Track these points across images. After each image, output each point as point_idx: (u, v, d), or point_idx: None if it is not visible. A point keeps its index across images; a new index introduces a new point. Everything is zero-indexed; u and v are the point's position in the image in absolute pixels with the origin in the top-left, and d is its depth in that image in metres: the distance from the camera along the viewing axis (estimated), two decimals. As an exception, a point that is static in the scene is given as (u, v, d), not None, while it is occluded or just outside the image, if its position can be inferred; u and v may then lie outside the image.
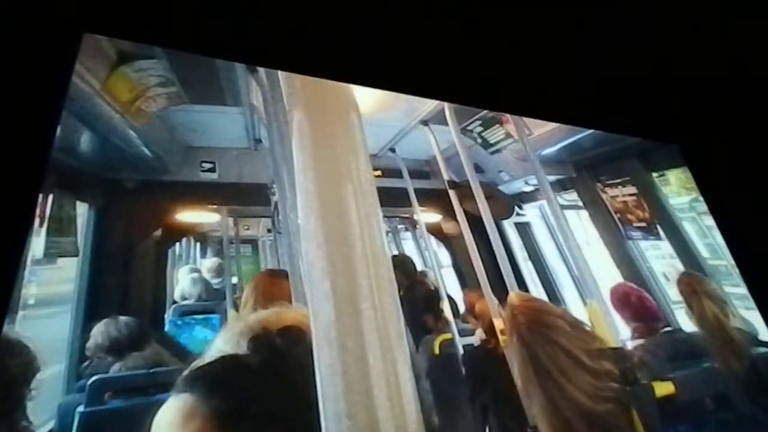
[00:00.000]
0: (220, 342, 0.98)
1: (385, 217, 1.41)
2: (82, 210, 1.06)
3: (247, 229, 1.18)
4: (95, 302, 0.96)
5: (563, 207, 1.68)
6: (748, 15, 1.70)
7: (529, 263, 1.36)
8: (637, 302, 1.30)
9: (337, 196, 1.11)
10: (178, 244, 1.11)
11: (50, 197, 1.09)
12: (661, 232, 1.53)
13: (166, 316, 1.01)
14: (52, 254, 1.00)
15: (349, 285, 0.96)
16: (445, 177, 1.58)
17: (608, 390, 1.08)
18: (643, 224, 1.61)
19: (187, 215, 1.14)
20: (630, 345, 1.22)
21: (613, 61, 1.72)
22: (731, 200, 1.66)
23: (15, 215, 0.81)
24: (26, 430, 0.83)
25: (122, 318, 1.01)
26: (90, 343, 0.96)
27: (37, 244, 1.04)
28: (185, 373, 0.87)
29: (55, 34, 1.03)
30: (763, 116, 1.81)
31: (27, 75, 0.96)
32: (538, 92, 1.60)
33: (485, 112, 1.93)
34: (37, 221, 1.07)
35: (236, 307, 1.06)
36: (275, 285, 1.14)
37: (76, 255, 1.00)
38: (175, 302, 1.04)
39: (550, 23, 1.58)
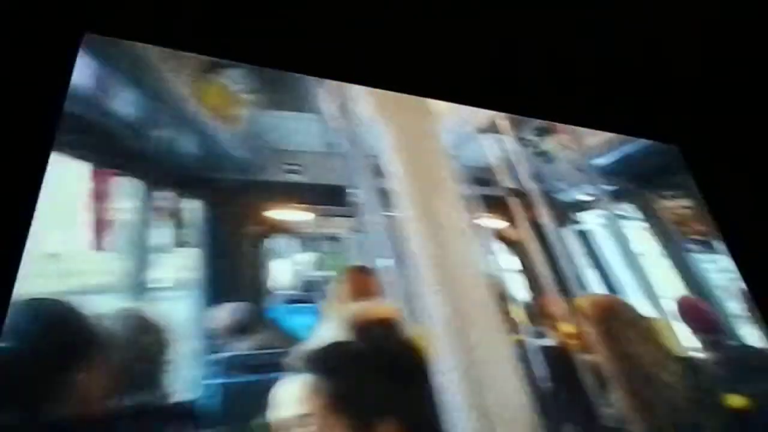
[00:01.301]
0: (326, 329, 1.11)
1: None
2: (197, 206, 1.18)
3: (332, 227, 1.30)
4: (215, 289, 1.09)
5: (621, 217, 1.77)
6: (748, 16, 1.74)
7: (593, 270, 1.46)
8: (703, 315, 1.38)
9: (433, 204, 1.24)
10: (275, 238, 1.23)
11: (172, 195, 1.23)
12: (719, 246, 1.61)
13: (268, 303, 1.13)
14: (178, 245, 1.14)
15: (453, 288, 1.09)
16: (508, 185, 1.68)
17: (680, 399, 1.17)
18: (701, 237, 1.69)
19: (279, 213, 1.27)
20: (698, 356, 1.30)
21: (614, 61, 1.77)
22: (731, 200, 1.70)
23: (16, 213, 0.90)
24: (165, 399, 0.96)
25: (239, 303, 1.14)
26: (214, 325, 1.09)
27: (165, 235, 1.18)
28: (302, 355, 1.00)
29: (55, 34, 1.09)
30: (763, 116, 1.85)
31: (27, 74, 1.03)
32: (538, 92, 1.66)
33: (539, 122, 2.02)
34: (163, 215, 1.21)
35: (330, 299, 1.18)
36: (364, 280, 1.26)
37: (196, 246, 1.13)
38: (275, 292, 1.16)
39: (550, 24, 1.64)
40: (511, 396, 1.07)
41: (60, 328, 0.90)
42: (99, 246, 1.08)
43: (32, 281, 0.96)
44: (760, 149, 1.76)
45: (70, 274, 1.03)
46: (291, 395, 0.97)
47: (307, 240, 1.28)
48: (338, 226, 1.35)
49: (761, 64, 1.83)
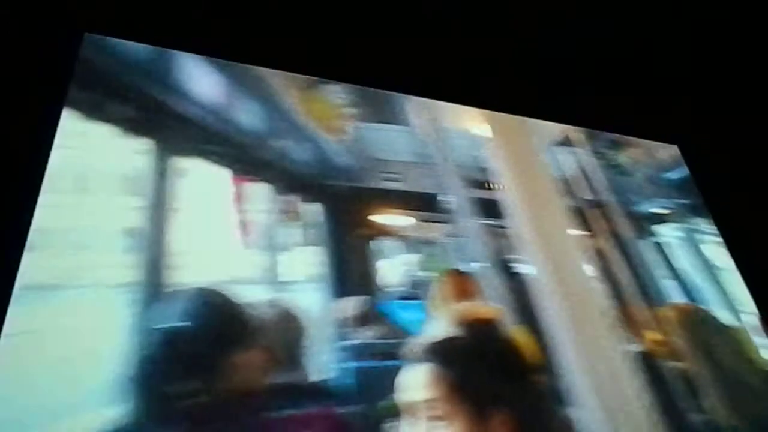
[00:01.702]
0: (437, 325, 1.23)
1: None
2: (316, 209, 1.34)
3: (429, 231, 1.43)
4: (337, 284, 1.23)
5: (697, 231, 1.83)
6: (748, 15, 1.74)
7: (670, 281, 1.54)
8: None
9: (542, 215, 1.35)
10: (381, 240, 1.37)
11: (295, 199, 1.39)
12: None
13: (380, 299, 1.27)
14: (305, 243, 1.29)
15: (563, 292, 1.20)
16: (585, 196, 1.77)
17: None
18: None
19: (382, 217, 1.41)
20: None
21: (614, 61, 1.78)
22: (731, 200, 1.70)
23: (16, 211, 0.93)
24: (306, 378, 1.10)
25: (359, 297, 1.28)
26: (340, 315, 1.24)
27: (294, 234, 1.33)
28: (421, 347, 1.12)
29: (56, 34, 1.12)
30: (763, 116, 1.83)
31: (28, 74, 1.06)
32: (538, 93, 1.68)
33: (612, 135, 2.10)
34: (291, 216, 1.37)
35: (434, 298, 1.30)
36: (464, 282, 1.38)
37: (319, 245, 1.28)
38: (385, 288, 1.29)
39: (550, 24, 1.66)
40: (628, 394, 1.17)
41: (223, 313, 1.06)
42: (245, 243, 1.24)
43: (193, 271, 1.12)
44: (759, 149, 1.75)
45: (220, 266, 1.20)
46: (416, 381, 1.10)
47: (408, 243, 1.41)
48: (434, 230, 1.48)
49: (761, 64, 1.82)
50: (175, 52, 1.38)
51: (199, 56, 1.41)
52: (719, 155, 1.71)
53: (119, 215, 1.14)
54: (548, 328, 1.26)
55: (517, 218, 1.43)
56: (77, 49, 1.14)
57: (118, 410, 0.93)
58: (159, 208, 1.16)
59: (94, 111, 1.26)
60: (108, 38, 1.31)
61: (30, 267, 1.01)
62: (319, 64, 1.52)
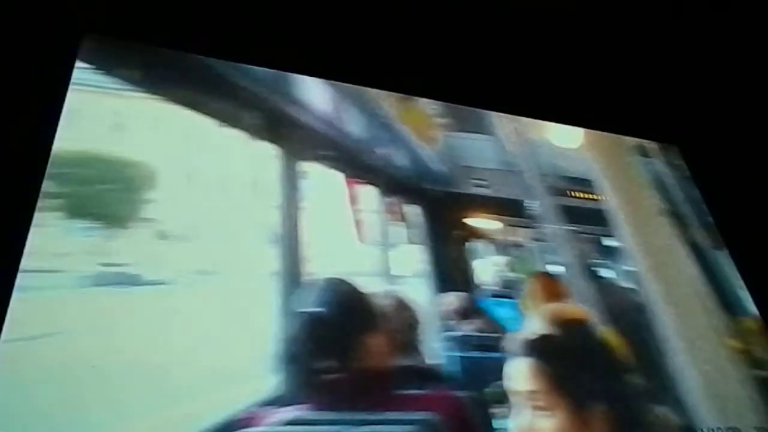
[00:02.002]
0: (532, 323, 1.33)
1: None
2: (417, 211, 1.46)
3: (516, 235, 1.54)
4: (438, 279, 1.36)
5: None
6: (748, 15, 1.71)
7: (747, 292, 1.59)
8: None
9: (645, 225, 1.44)
10: (474, 242, 1.48)
11: (398, 201, 1.53)
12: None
13: (478, 295, 1.39)
14: (409, 242, 1.42)
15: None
16: (663, 206, 1.84)
17: None
18: None
19: (474, 220, 1.52)
20: None
21: (614, 61, 1.78)
22: (731, 200, 1.68)
23: (16, 211, 0.94)
24: (422, 362, 1.23)
25: (460, 293, 1.41)
26: (444, 309, 1.36)
27: (400, 234, 1.47)
28: (520, 342, 1.23)
29: (56, 35, 1.11)
30: (763, 116, 1.80)
31: (28, 74, 1.06)
32: (538, 93, 1.69)
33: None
34: (396, 217, 1.51)
35: (525, 297, 1.41)
36: (553, 284, 1.48)
37: (421, 244, 1.41)
38: (481, 286, 1.41)
39: (550, 24, 1.67)
40: (738, 389, 1.25)
41: (353, 300, 1.21)
42: (360, 239, 1.39)
43: (321, 263, 1.27)
44: (760, 149, 1.73)
45: (342, 259, 1.34)
46: (518, 373, 1.22)
47: (498, 245, 1.53)
48: (521, 234, 1.59)
49: (761, 64, 1.80)
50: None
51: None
52: (719, 155, 1.72)
53: (256, 212, 1.30)
54: (644, 331, 1.35)
55: (621, 227, 1.52)
56: (76, 49, 1.14)
57: (269, 382, 1.08)
58: (290, 206, 1.32)
59: (227, 119, 1.43)
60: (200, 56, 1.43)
61: (189, 255, 1.18)
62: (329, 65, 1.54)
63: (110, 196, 1.12)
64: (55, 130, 1.05)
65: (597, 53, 1.73)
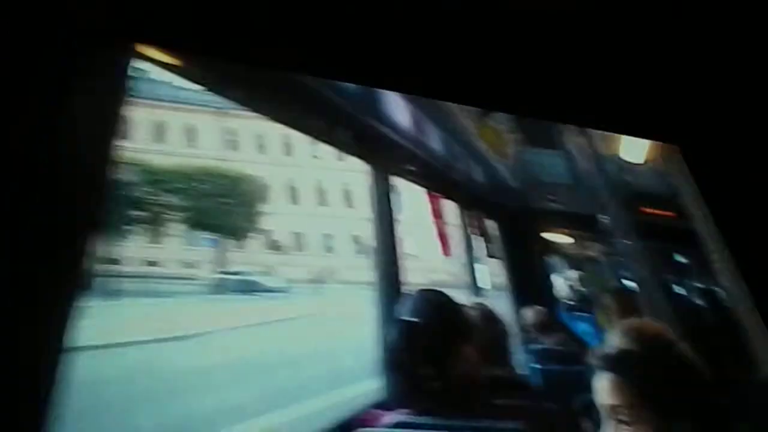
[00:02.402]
0: (612, 337, 1.37)
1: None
2: (495, 225, 1.52)
3: (590, 250, 1.58)
4: (518, 293, 1.42)
5: None
6: (749, 14, 1.64)
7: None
8: None
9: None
10: (551, 256, 1.53)
11: (478, 215, 1.59)
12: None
13: (557, 309, 1.44)
14: (489, 255, 1.48)
15: None
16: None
17: None
18: None
19: (550, 235, 1.57)
20: None
21: (614, 61, 1.72)
22: (731, 200, 1.62)
23: (14, 212, 0.86)
24: (510, 373, 1.29)
25: (539, 307, 1.46)
26: (523, 322, 1.42)
27: (480, 247, 1.53)
28: (603, 356, 1.27)
29: (56, 37, 1.00)
30: (764, 116, 1.72)
31: (28, 75, 0.95)
32: (538, 92, 1.65)
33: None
34: (476, 231, 1.57)
35: (603, 312, 1.45)
36: (629, 300, 1.51)
37: (500, 258, 1.46)
38: (560, 300, 1.46)
39: (550, 23, 1.63)
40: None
41: (448, 311, 1.28)
42: (445, 252, 1.46)
43: (413, 273, 1.35)
44: (761, 149, 1.68)
45: (430, 271, 1.42)
46: (603, 388, 1.26)
47: (573, 259, 1.57)
48: (595, 249, 1.63)
49: (762, 64, 1.74)
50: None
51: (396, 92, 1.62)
52: (723, 155, 1.69)
53: (352, 224, 1.39)
54: (726, 348, 1.38)
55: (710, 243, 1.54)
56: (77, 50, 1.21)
57: (373, 386, 1.16)
58: (383, 219, 1.40)
59: (321, 135, 1.52)
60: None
61: (287, 265, 1.28)
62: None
63: (228, 209, 1.22)
64: (54, 130, 0.98)
65: (599, 52, 1.72)
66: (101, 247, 1.07)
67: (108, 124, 1.11)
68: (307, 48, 1.49)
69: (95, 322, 0.93)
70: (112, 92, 1.13)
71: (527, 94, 1.62)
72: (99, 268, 1.03)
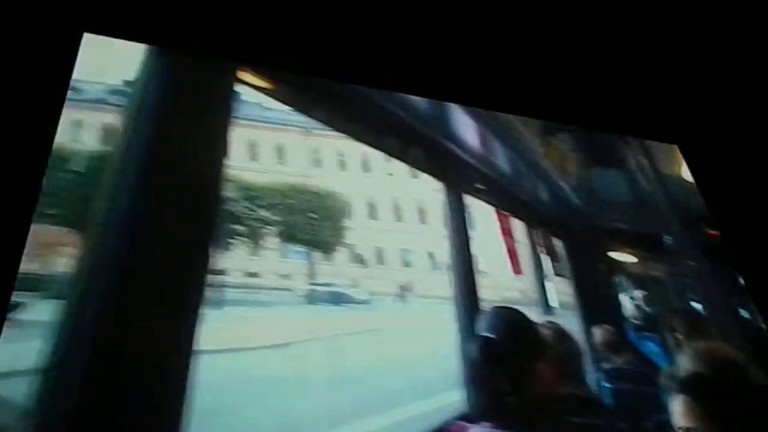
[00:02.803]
0: (686, 360, 1.39)
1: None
2: (560, 244, 1.55)
3: (654, 270, 1.59)
4: (585, 311, 1.44)
5: None
6: (748, 15, 1.59)
7: None
8: None
9: None
10: (617, 275, 1.55)
11: (544, 234, 1.63)
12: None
13: (625, 329, 1.46)
14: (556, 274, 1.52)
15: None
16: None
17: None
18: None
19: (615, 254, 1.59)
20: None
21: (614, 61, 1.70)
22: (731, 199, 1.58)
23: (15, 212, 0.93)
24: (585, 392, 1.32)
25: (607, 326, 1.49)
26: (593, 341, 1.45)
27: (548, 266, 1.57)
28: (675, 378, 1.29)
29: (56, 34, 1.10)
30: (763, 116, 1.67)
31: (27, 74, 1.05)
32: (538, 92, 1.64)
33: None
34: (543, 249, 1.61)
35: (672, 333, 1.47)
36: (696, 321, 1.53)
37: (567, 276, 1.50)
38: (628, 320, 1.48)
39: (551, 24, 1.62)
40: None
41: (525, 329, 1.32)
42: (515, 270, 1.50)
43: (488, 290, 1.39)
44: (760, 148, 1.65)
45: (501, 288, 1.46)
46: (677, 409, 1.28)
47: (639, 279, 1.59)
48: (660, 269, 1.64)
49: (761, 63, 1.71)
50: (449, 104, 1.68)
51: (462, 106, 1.68)
52: (720, 155, 1.67)
53: (428, 240, 1.45)
54: None
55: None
56: (76, 48, 1.14)
57: (455, 399, 1.21)
58: (459, 236, 1.45)
59: (395, 153, 1.59)
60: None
61: (370, 278, 1.35)
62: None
63: (315, 223, 1.30)
64: (54, 128, 1.05)
65: (597, 53, 1.74)
66: (215, 259, 1.17)
67: (218, 144, 1.21)
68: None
69: (207, 329, 1.01)
70: (220, 115, 1.24)
71: (527, 94, 1.66)
72: (212, 278, 1.12)
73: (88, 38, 1.19)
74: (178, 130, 1.13)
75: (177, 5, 1.34)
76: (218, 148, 1.17)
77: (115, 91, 1.22)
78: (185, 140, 1.11)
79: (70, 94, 1.16)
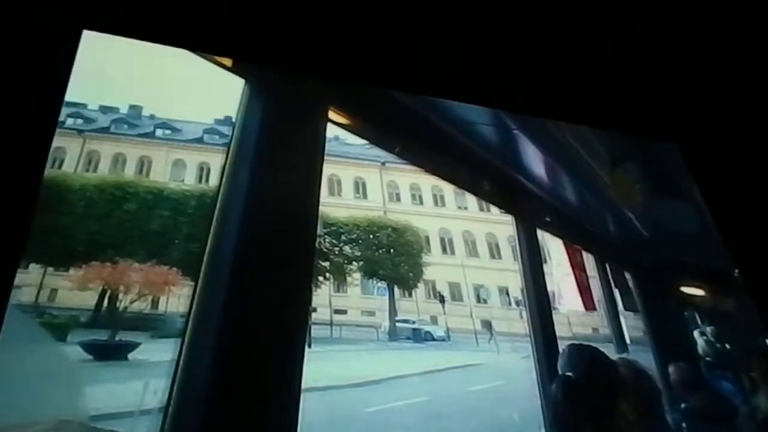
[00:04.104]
0: (761, 400, 1.35)
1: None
2: (630, 277, 1.54)
3: (724, 304, 1.57)
4: (659, 348, 1.43)
5: None
6: (748, 14, 1.50)
7: None
8: None
9: None
10: (689, 310, 1.54)
11: (613, 265, 1.62)
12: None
13: (701, 367, 1.44)
14: (627, 308, 1.51)
15: None
16: None
17: None
18: None
19: (685, 288, 1.57)
20: None
21: (614, 60, 1.64)
22: (731, 199, 1.50)
23: (14, 212, 0.91)
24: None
25: (683, 363, 1.47)
26: (671, 379, 1.44)
27: (618, 300, 1.57)
28: (755, 421, 1.26)
29: (55, 34, 1.09)
30: (763, 115, 1.58)
31: (27, 74, 1.03)
32: (539, 91, 1.58)
33: None
34: (615, 284, 1.60)
35: (748, 371, 1.44)
36: None
37: (637, 311, 1.48)
38: (703, 357, 1.46)
39: (551, 23, 1.57)
40: None
41: (602, 367, 1.32)
42: (587, 305, 1.50)
43: (562, 327, 1.40)
44: (760, 148, 1.57)
45: (574, 325, 1.46)
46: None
47: (711, 315, 1.57)
48: (731, 305, 1.62)
49: (761, 63, 1.64)
50: (516, 133, 1.69)
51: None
52: (721, 153, 1.62)
53: (501, 275, 1.46)
54: None
55: None
56: (75, 46, 1.14)
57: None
58: (531, 270, 1.46)
59: (465, 185, 1.60)
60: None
61: (449, 314, 1.37)
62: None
63: (395, 259, 1.33)
64: (54, 128, 1.04)
65: (598, 51, 1.72)
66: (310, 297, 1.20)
67: (313, 181, 1.25)
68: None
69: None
70: (314, 152, 1.27)
71: (526, 94, 1.64)
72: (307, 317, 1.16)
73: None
74: (276, 169, 1.17)
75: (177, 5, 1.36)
76: (313, 185, 1.20)
77: (209, 130, 1.27)
78: (283, 179, 1.15)
79: (169, 134, 1.21)
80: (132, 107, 1.47)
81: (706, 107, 1.73)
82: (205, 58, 1.14)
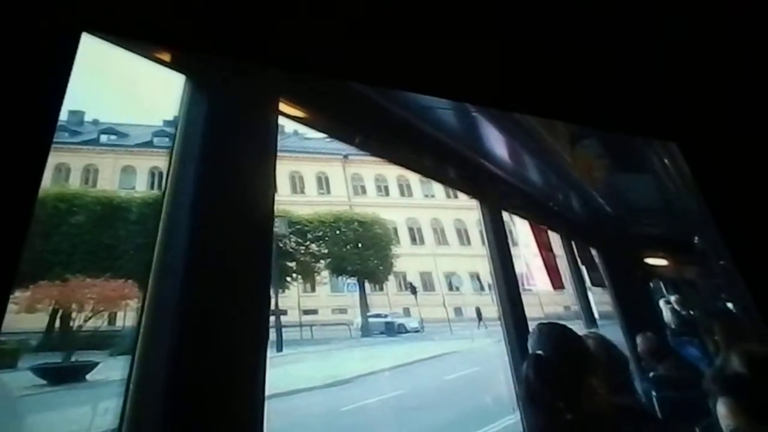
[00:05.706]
0: (728, 363, 1.42)
1: None
2: (595, 253, 1.58)
3: (686, 273, 1.63)
4: (626, 320, 1.47)
5: None
6: (748, 14, 1.63)
7: None
8: None
9: None
10: (652, 281, 1.58)
11: (581, 244, 1.65)
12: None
13: (666, 335, 1.49)
14: (594, 284, 1.55)
15: None
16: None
17: None
18: None
19: (649, 260, 1.62)
20: None
21: (615, 60, 1.74)
22: (731, 198, 1.63)
23: (14, 212, 0.91)
24: (635, 402, 1.35)
25: (649, 333, 1.52)
26: (639, 349, 1.48)
27: (586, 277, 1.60)
28: (716, 382, 1.32)
29: (55, 34, 1.09)
30: (763, 115, 1.72)
31: (27, 73, 1.03)
32: (539, 91, 1.66)
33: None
34: (581, 261, 1.63)
35: (710, 336, 1.50)
36: (733, 324, 1.56)
37: (605, 286, 1.52)
38: (668, 326, 1.51)
39: (551, 23, 1.65)
40: None
41: (573, 345, 1.35)
42: (554, 284, 1.53)
43: (529, 308, 1.42)
44: (760, 147, 1.69)
45: (543, 304, 1.49)
46: (724, 412, 1.32)
47: (674, 284, 1.63)
48: (693, 273, 1.68)
49: (761, 63, 1.75)
50: (476, 116, 1.69)
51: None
52: (720, 153, 1.71)
53: (471, 261, 1.47)
54: None
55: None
56: (75, 48, 1.13)
57: (513, 419, 1.24)
58: (499, 255, 1.47)
59: (430, 173, 1.59)
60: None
61: (421, 305, 1.36)
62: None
63: (365, 253, 1.31)
64: (53, 127, 1.04)
65: (597, 51, 1.76)
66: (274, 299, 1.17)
67: (267, 179, 1.21)
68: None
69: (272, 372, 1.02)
70: (265, 149, 1.23)
71: (526, 93, 1.65)
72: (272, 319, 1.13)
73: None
74: (225, 168, 1.12)
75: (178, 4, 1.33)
76: (267, 183, 1.16)
77: (158, 133, 1.21)
78: (233, 179, 1.10)
79: (114, 139, 1.15)
80: (72, 113, 1.39)
81: (705, 107, 1.75)
82: (143, 55, 1.06)
